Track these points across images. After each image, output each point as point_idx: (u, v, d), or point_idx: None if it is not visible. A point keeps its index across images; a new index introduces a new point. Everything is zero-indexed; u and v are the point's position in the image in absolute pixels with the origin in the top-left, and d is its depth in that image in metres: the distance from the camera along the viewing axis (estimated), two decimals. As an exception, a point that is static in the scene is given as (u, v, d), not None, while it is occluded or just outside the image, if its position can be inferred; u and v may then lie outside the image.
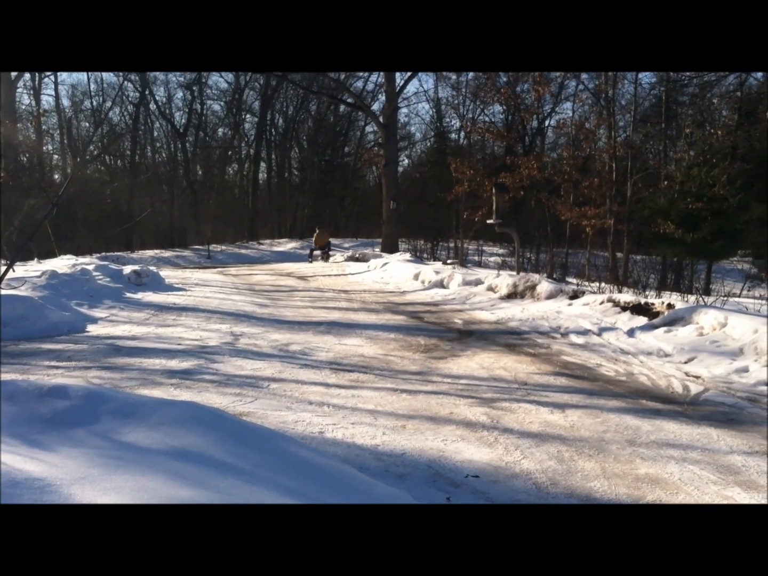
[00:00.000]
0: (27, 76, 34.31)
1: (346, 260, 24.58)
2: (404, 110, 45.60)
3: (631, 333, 8.91)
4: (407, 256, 21.71)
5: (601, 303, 10.34)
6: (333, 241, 36.77)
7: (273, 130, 45.88)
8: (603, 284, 13.21)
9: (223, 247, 34.87)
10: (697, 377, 7.06)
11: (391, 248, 24.88)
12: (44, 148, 37.08)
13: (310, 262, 25.01)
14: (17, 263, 12.90)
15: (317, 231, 26.64)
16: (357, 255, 25.18)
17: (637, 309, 9.67)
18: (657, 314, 9.26)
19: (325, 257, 25.60)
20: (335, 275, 19.15)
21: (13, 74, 28.13)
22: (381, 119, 27.22)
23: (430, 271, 16.07)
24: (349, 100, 34.72)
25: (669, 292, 12.66)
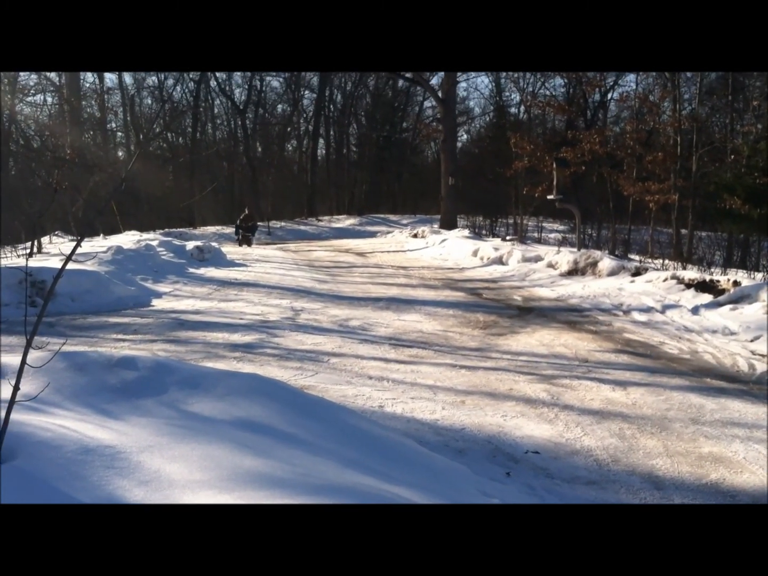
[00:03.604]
0: (91, 54, 34.82)
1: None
2: (463, 84, 44.95)
3: (695, 310, 8.74)
4: (466, 232, 21.58)
5: (665, 280, 10.15)
6: (391, 217, 36.77)
7: (331, 106, 45.84)
8: (666, 261, 12.97)
9: (283, 224, 35.09)
10: (764, 356, 6.90)
11: (449, 225, 24.74)
12: (108, 125, 37.75)
13: (238, 240, 23.05)
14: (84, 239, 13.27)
15: (246, 211, 23.99)
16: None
17: (702, 286, 9.47)
18: (722, 291, 9.06)
19: (248, 242, 22.95)
20: (393, 251, 19.17)
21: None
22: (439, 94, 27.00)
23: (489, 247, 15.97)
24: (408, 76, 34.49)
25: (735, 269, 12.36)
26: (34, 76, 22.32)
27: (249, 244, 22.61)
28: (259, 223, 24.35)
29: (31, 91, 25.10)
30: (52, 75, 28.78)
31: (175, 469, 2.49)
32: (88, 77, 36.16)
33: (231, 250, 18.20)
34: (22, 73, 23.73)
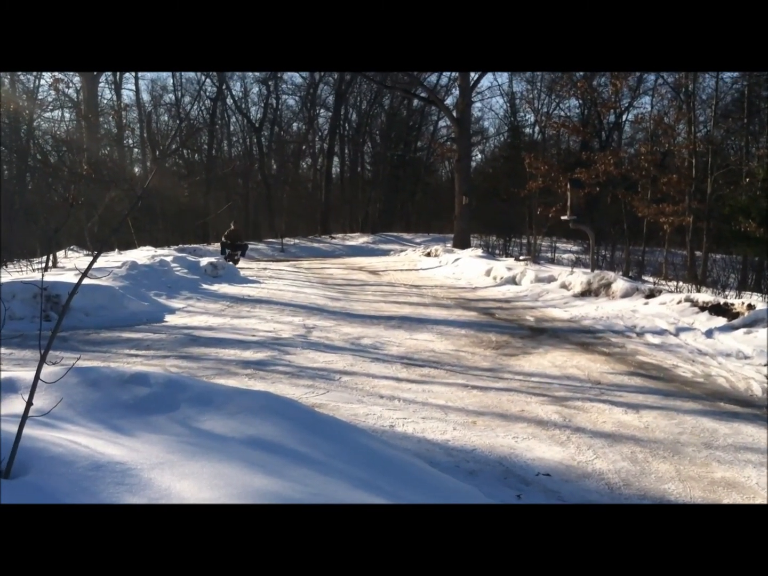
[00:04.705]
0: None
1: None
2: (478, 105, 45.14)
3: (709, 334, 8.69)
4: (479, 251, 21.58)
5: (679, 302, 10.10)
6: (405, 236, 36.78)
7: (346, 124, 46.08)
8: (681, 283, 12.92)
9: (296, 241, 35.21)
10: (779, 380, 6.84)
11: (462, 244, 24.76)
12: (125, 141, 38.06)
13: (225, 259, 18.95)
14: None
15: (232, 226, 21.72)
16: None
17: (716, 309, 9.41)
18: (737, 315, 9.00)
19: (234, 262, 19.57)
20: (406, 270, 19.18)
21: (96, 70, 28.93)
22: (454, 114, 27.10)
23: (502, 267, 15.95)
24: (423, 95, 34.69)
25: (750, 293, 12.30)
26: (52, 91, 22.56)
27: (234, 264, 19.01)
28: (246, 243, 21.76)
29: (49, 107, 25.38)
30: (70, 91, 29.15)
31: (185, 487, 2.49)
32: (106, 93, 36.59)
33: (244, 267, 18.25)
34: (40, 89, 24.05)
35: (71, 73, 26.70)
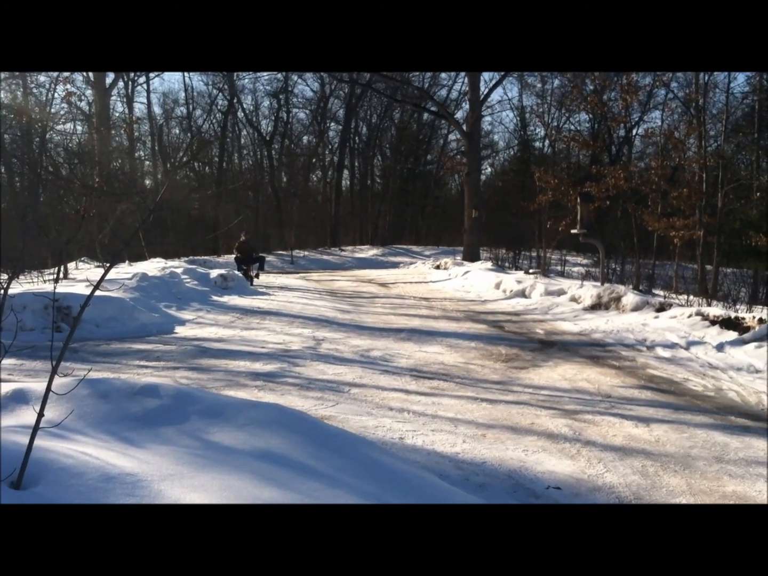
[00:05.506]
0: (121, 84, 35.46)
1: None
2: (488, 118, 45.18)
3: (720, 347, 8.65)
4: (489, 264, 21.56)
5: (689, 316, 10.06)
6: (414, 248, 36.75)
7: (356, 138, 46.20)
8: (691, 297, 12.87)
9: (306, 253, 35.23)
10: (790, 395, 6.80)
11: (472, 257, 24.75)
12: (136, 154, 38.24)
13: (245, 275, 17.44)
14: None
15: (243, 237, 19.65)
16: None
17: (727, 323, 9.37)
18: (747, 329, 8.96)
19: (249, 277, 17.69)
20: (416, 283, 19.17)
21: (108, 82, 29.15)
22: (464, 127, 27.13)
23: (512, 280, 15.93)
24: (433, 109, 34.73)
25: (760, 307, 12.23)
26: (65, 104, 22.72)
27: (251, 281, 17.41)
28: (263, 255, 19.99)
29: (62, 120, 25.54)
30: (83, 104, 29.33)
31: (194, 499, 2.49)
32: (118, 107, 36.81)
33: (264, 279, 18.27)
34: (53, 102, 24.23)
35: (84, 86, 26.91)
